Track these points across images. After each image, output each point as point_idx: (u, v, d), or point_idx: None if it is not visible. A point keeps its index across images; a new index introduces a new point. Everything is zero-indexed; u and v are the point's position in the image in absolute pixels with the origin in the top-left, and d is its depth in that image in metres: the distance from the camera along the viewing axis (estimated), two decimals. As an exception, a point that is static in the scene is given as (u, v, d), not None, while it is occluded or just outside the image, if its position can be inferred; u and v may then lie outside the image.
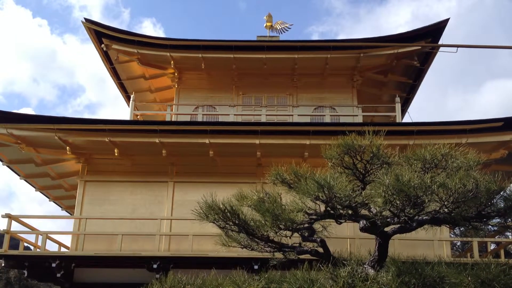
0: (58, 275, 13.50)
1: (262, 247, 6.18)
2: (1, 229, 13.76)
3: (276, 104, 18.03)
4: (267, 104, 17.75)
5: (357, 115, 16.99)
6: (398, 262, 4.97)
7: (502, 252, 14.93)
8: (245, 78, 18.22)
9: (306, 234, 6.11)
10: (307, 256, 5.95)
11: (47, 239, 14.22)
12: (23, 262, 13.78)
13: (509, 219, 5.44)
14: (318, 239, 6.08)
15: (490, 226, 6.16)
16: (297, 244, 6.20)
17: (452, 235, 23.55)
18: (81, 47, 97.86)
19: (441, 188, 4.98)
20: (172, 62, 17.49)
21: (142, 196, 15.03)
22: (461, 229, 22.36)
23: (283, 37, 19.31)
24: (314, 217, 5.83)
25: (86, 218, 14.65)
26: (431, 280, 4.74)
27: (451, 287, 4.75)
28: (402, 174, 4.98)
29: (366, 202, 5.52)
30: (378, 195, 5.08)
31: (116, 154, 14.44)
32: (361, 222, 5.69)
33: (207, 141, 13.97)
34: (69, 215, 19.49)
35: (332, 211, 5.63)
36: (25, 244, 14.78)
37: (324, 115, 17.27)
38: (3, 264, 13.64)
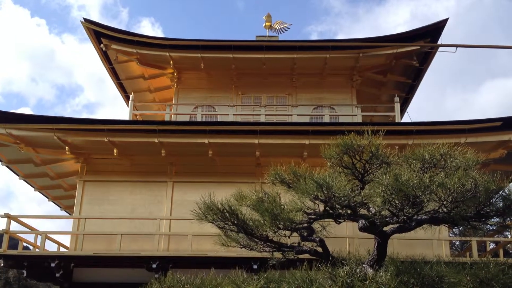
0: (57, 275, 13.50)
1: (261, 247, 6.19)
2: (0, 229, 13.74)
3: (275, 104, 18.04)
4: (266, 104, 17.75)
5: (356, 115, 16.99)
6: (397, 262, 4.97)
7: (501, 251, 14.93)
8: (244, 78, 18.22)
9: (305, 233, 6.12)
10: (306, 256, 5.95)
11: (46, 239, 14.21)
12: (22, 262, 13.77)
13: (508, 219, 5.45)
14: (317, 239, 6.08)
15: (489, 225, 6.18)
16: (296, 244, 6.21)
17: (451, 235, 23.59)
18: (79, 46, 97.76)
19: (440, 187, 4.98)
20: (171, 62, 17.49)
21: (141, 196, 15.03)
22: (460, 228, 22.39)
23: (282, 37, 19.34)
24: (313, 216, 5.84)
25: (85, 218, 14.64)
26: (430, 279, 4.74)
27: (450, 286, 4.76)
28: (401, 174, 4.99)
29: (365, 201, 5.53)
30: (377, 194, 5.09)
31: (115, 154, 14.44)
32: (360, 222, 5.70)
33: (206, 141, 13.97)
34: (68, 215, 19.48)
35: (331, 211, 5.63)
36: (24, 244, 14.78)
37: (323, 115, 17.27)
38: (2, 264, 13.63)
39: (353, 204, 5.53)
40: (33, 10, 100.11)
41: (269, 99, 18.13)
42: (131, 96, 17.31)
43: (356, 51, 17.05)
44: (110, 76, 19.03)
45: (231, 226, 5.98)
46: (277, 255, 6.37)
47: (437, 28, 16.68)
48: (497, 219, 5.47)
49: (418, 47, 16.86)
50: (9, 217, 13.81)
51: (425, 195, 5.00)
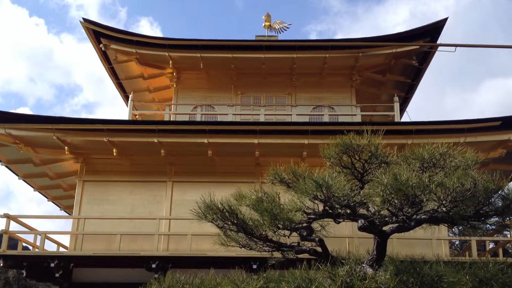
0: (57, 275, 13.49)
1: (261, 246, 6.19)
2: (0, 229, 13.73)
3: (274, 103, 18.04)
4: (265, 103, 17.75)
5: (355, 115, 16.99)
6: (396, 261, 4.98)
7: (500, 251, 14.94)
8: (244, 77, 18.22)
9: (305, 233, 6.12)
10: (306, 256, 5.95)
11: (46, 239, 14.21)
12: (22, 262, 13.77)
13: (507, 218, 5.45)
14: (317, 238, 6.09)
15: (488, 225, 6.19)
16: (296, 244, 6.21)
17: (450, 234, 23.59)
18: (78, 46, 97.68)
19: (439, 187, 4.98)
20: (170, 61, 17.49)
21: (140, 196, 15.02)
22: (459, 228, 22.41)
23: (281, 36, 19.34)
24: (312, 216, 5.84)
25: (85, 218, 14.64)
26: (429, 279, 4.74)
27: (449, 286, 4.76)
28: (401, 174, 4.99)
29: (365, 201, 5.53)
30: (376, 194, 5.09)
31: (114, 154, 14.43)
32: (359, 221, 5.70)
33: (205, 140, 13.97)
34: (67, 215, 19.48)
35: (330, 211, 5.64)
36: (24, 244, 14.76)
37: (323, 115, 17.27)
38: (1, 264, 13.62)
39: (352, 204, 5.54)
40: (31, 10, 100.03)
41: (269, 98, 18.13)
42: (130, 96, 17.30)
43: (355, 50, 17.05)
44: (109, 76, 19.03)
45: (231, 226, 5.98)
46: (277, 254, 6.38)
47: (436, 27, 16.68)
48: (497, 219, 5.47)
49: (418, 46, 16.86)
50: (8, 217, 13.80)
51: (425, 194, 5.01)
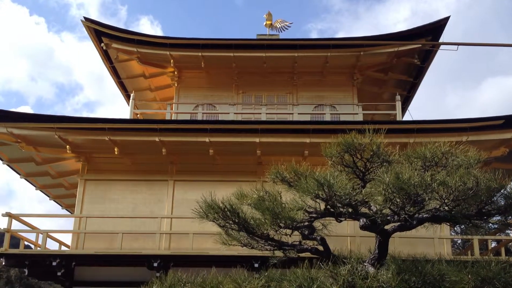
0: (59, 273, 13.51)
1: (262, 245, 6.19)
2: (2, 228, 13.76)
3: (276, 102, 18.02)
4: (267, 102, 17.74)
5: (357, 114, 16.97)
6: (398, 260, 4.97)
7: (502, 250, 14.93)
8: (245, 76, 18.21)
9: (306, 232, 6.11)
10: (307, 254, 5.95)
11: (48, 238, 14.23)
12: (24, 260, 13.80)
13: (510, 217, 5.44)
14: (318, 237, 6.08)
15: (490, 224, 6.17)
16: (297, 242, 6.20)
17: (452, 233, 23.56)
18: (78, 45, 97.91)
19: (441, 186, 4.97)
20: (171, 60, 17.48)
21: (142, 194, 15.03)
22: (462, 227, 22.39)
23: (282, 35, 19.31)
24: (314, 215, 5.83)
25: (87, 217, 14.65)
26: (431, 278, 4.73)
27: (451, 285, 4.75)
28: (402, 172, 4.98)
29: (366, 200, 5.52)
30: (378, 193, 5.08)
31: (116, 152, 14.45)
32: (361, 220, 5.69)
33: (207, 139, 13.96)
34: (69, 213, 19.50)
35: (332, 209, 5.63)
36: (26, 243, 14.79)
37: (324, 114, 17.25)
38: (3, 263, 13.65)
39: (354, 203, 5.52)
40: (32, 9, 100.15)
41: (270, 97, 18.11)
42: (131, 95, 17.31)
43: (357, 49, 17.01)
44: (110, 75, 19.03)
45: (232, 225, 5.97)
46: (278, 253, 6.37)
47: (438, 26, 16.64)
48: (499, 218, 5.46)
49: (420, 45, 16.82)
50: (10, 216, 13.82)
51: (427, 193, 5.00)
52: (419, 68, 17.86)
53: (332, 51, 16.90)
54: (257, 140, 13.97)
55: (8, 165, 16.15)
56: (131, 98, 17.16)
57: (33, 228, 14.68)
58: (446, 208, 5.15)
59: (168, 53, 17.14)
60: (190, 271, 5.78)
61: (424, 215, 5.35)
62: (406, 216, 5.24)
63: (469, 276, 4.84)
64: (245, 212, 5.92)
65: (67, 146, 14.42)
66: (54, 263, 13.29)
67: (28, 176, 17.00)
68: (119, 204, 14.88)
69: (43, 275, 15.15)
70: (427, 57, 17.37)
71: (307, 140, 13.81)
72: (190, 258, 13.26)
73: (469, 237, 16.39)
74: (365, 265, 5.39)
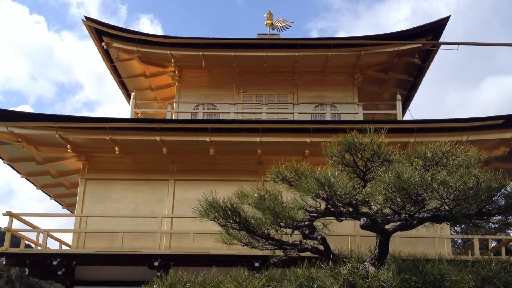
0: (59, 273, 13.53)
1: (263, 244, 6.19)
2: (2, 227, 13.77)
3: (276, 102, 18.02)
4: (267, 102, 17.74)
5: (358, 113, 16.98)
6: (398, 260, 4.97)
7: (503, 249, 14.93)
8: (246, 76, 18.21)
9: (307, 231, 6.12)
10: (308, 254, 5.95)
11: (48, 237, 14.24)
12: (24, 260, 13.81)
13: (510, 217, 5.44)
14: (319, 237, 6.09)
15: (491, 223, 6.18)
16: (298, 242, 6.21)
17: (453, 233, 23.56)
18: (78, 44, 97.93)
19: (442, 185, 4.98)
20: (172, 60, 17.49)
21: (143, 194, 15.04)
22: (462, 226, 22.38)
23: (283, 35, 19.32)
24: (314, 214, 5.84)
25: (87, 216, 14.66)
26: (432, 277, 4.74)
27: (452, 284, 4.75)
28: (403, 172, 4.98)
29: (367, 199, 5.52)
30: (378, 192, 5.08)
31: (116, 152, 14.45)
32: (361, 220, 5.70)
33: (207, 139, 13.97)
34: (70, 213, 19.51)
35: (332, 209, 5.63)
36: (26, 242, 14.80)
37: (325, 113, 17.26)
38: (4, 262, 13.67)
39: (354, 202, 5.53)
40: (32, 7, 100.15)
41: (271, 97, 18.11)
42: (132, 94, 17.32)
43: (357, 49, 17.01)
44: (111, 74, 19.04)
45: (233, 224, 5.97)
46: (279, 253, 6.38)
47: (439, 25, 16.63)
48: (499, 217, 5.46)
49: (420, 44, 16.82)
50: (11, 215, 13.84)
51: (427, 193, 5.00)
52: (420, 67, 17.86)
53: (332, 50, 16.89)
54: (257, 139, 13.98)
55: (8, 165, 16.16)
56: (131, 97, 17.17)
57: (34, 228, 14.69)
58: (447, 207, 5.15)
59: (169, 52, 17.14)
60: (190, 271, 5.78)
61: (425, 215, 5.35)
62: (406, 215, 5.24)
63: (470, 275, 4.84)
64: (246, 211, 5.92)
65: (68, 146, 14.43)
66: (54, 263, 13.30)
67: (28, 176, 17.01)
68: (119, 203, 14.89)
69: (43, 274, 15.17)
70: (427, 56, 17.36)
71: (308, 140, 13.81)
72: (191, 257, 13.27)
73: (470, 236, 16.38)
74: (366, 265, 5.39)
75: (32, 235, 14.60)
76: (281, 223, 5.67)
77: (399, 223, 5.51)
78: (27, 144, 14.47)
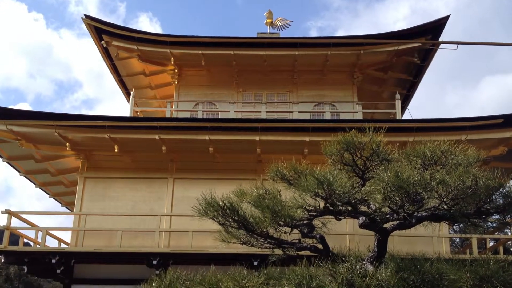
0: (58, 271, 13.52)
1: (262, 243, 6.20)
2: (1, 225, 13.76)
3: (276, 100, 18.02)
4: (267, 100, 17.73)
5: (357, 112, 16.99)
6: (397, 259, 4.98)
7: (501, 249, 14.94)
8: (245, 74, 18.20)
9: (306, 230, 6.13)
10: (307, 252, 5.96)
11: (47, 235, 14.23)
12: (23, 258, 13.79)
13: (508, 216, 5.45)
14: (318, 236, 6.10)
15: (489, 222, 6.19)
16: (297, 241, 6.22)
17: (451, 232, 23.58)
18: (77, 42, 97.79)
19: (441, 184, 4.99)
20: (172, 58, 17.48)
21: (142, 192, 15.03)
22: (460, 225, 22.39)
23: (283, 33, 19.31)
24: (313, 213, 5.84)
25: (86, 215, 14.66)
26: (430, 276, 4.74)
27: (450, 283, 4.76)
28: (402, 171, 4.99)
29: (366, 198, 5.53)
30: (377, 191, 5.09)
31: (116, 150, 14.44)
32: (360, 219, 5.71)
33: (207, 137, 13.97)
34: (69, 211, 19.51)
35: (331, 208, 5.64)
36: (25, 240, 14.78)
37: (324, 112, 17.26)
38: (3, 260, 13.66)
39: (353, 201, 5.53)
40: (31, 5, 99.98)
41: (270, 96, 18.11)
42: (132, 92, 17.30)
43: (357, 48, 17.01)
44: (110, 72, 19.02)
45: (232, 223, 5.98)
46: (278, 251, 6.39)
47: (438, 25, 16.63)
48: (497, 216, 5.47)
49: (420, 44, 16.82)
50: (10, 213, 13.82)
51: (426, 192, 5.01)
52: (419, 67, 17.86)
53: (332, 49, 16.89)
54: (257, 138, 13.98)
55: (7, 163, 16.15)
56: (131, 96, 17.15)
57: (33, 226, 14.68)
58: (445, 206, 5.16)
59: (168, 51, 17.13)
60: (189, 269, 5.78)
61: (423, 214, 5.36)
62: (405, 214, 5.25)
63: (468, 274, 4.85)
64: (245, 210, 5.93)
65: (67, 144, 14.42)
66: (53, 261, 13.30)
67: (27, 174, 17.00)
68: (118, 201, 14.89)
69: (42, 272, 15.16)
70: (427, 56, 17.37)
71: (307, 138, 13.82)
72: (190, 256, 13.28)
73: (468, 235, 16.40)
74: (364, 264, 5.40)
75: (31, 233, 14.61)
76: (280, 222, 5.68)
77: (397, 222, 5.52)
78: (26, 142, 14.46)
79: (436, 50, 17.05)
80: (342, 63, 17.69)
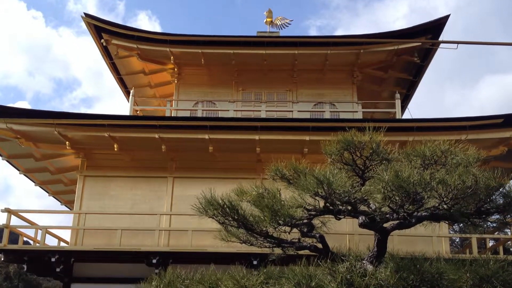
0: (58, 269, 13.53)
1: (261, 242, 6.19)
2: (1, 224, 13.77)
3: (275, 100, 18.01)
4: (266, 100, 17.74)
5: (357, 111, 16.98)
6: (397, 258, 4.97)
7: (501, 248, 14.95)
8: (245, 73, 18.20)
9: (305, 229, 6.12)
10: (306, 252, 5.95)
11: (47, 234, 14.23)
12: (23, 256, 13.80)
13: (508, 216, 5.44)
14: (317, 235, 6.09)
15: (489, 222, 6.18)
16: (296, 240, 6.21)
17: (451, 232, 23.60)
18: (76, 40, 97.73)
19: (441, 184, 4.98)
20: (171, 57, 17.47)
21: (141, 191, 15.04)
22: (460, 225, 22.42)
23: (282, 33, 19.29)
24: (313, 213, 5.84)
25: (86, 213, 14.66)
26: (430, 276, 4.74)
27: (450, 283, 4.75)
28: (402, 170, 4.98)
29: (365, 198, 5.52)
30: (377, 191, 5.08)
31: (115, 149, 14.44)
32: (360, 218, 5.70)
33: (206, 136, 13.96)
34: (68, 210, 19.51)
35: (331, 207, 5.63)
36: (25, 239, 14.79)
37: (324, 111, 17.26)
38: (2, 259, 13.65)
39: (353, 201, 5.53)
40: (29, 3, 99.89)
41: (270, 95, 18.10)
42: (131, 91, 17.30)
43: (357, 47, 17.01)
44: (110, 71, 19.01)
45: (231, 222, 5.97)
46: (277, 250, 6.38)
47: (438, 24, 16.63)
48: (497, 216, 5.46)
49: (420, 43, 16.81)
50: (9, 211, 13.82)
51: (426, 191, 5.00)
52: (419, 66, 17.86)
53: (332, 48, 16.89)
54: (256, 137, 13.98)
55: (7, 161, 16.15)
56: (131, 94, 17.14)
57: (32, 224, 14.68)
58: (445, 206, 5.15)
59: (168, 49, 17.12)
60: (189, 268, 5.78)
61: (423, 213, 5.35)
62: (405, 214, 5.24)
63: (468, 274, 4.84)
64: (244, 209, 5.92)
65: (67, 142, 14.41)
66: (53, 259, 13.31)
67: (27, 172, 17.00)
68: (118, 200, 14.89)
69: (42, 271, 15.17)
70: (427, 55, 17.36)
71: (307, 138, 13.82)
72: (189, 255, 13.28)
73: (468, 235, 16.41)
74: (364, 263, 5.39)
75: (31, 232, 14.62)
76: (279, 221, 5.67)
77: (397, 221, 5.51)
78: (26, 141, 14.45)
79: (436, 49, 17.05)
80: (342, 62, 17.68)
